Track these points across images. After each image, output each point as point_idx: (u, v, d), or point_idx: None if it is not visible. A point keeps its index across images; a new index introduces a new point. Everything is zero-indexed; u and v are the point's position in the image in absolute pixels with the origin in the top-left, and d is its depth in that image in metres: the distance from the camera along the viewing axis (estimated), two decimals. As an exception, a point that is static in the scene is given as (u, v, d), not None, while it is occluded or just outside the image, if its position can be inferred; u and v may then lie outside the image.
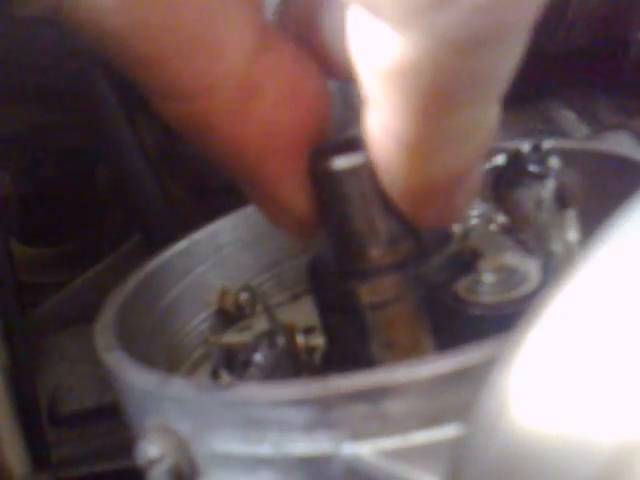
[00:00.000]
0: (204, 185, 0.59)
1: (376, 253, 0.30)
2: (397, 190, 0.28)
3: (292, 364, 0.34)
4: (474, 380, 0.23)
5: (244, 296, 0.40)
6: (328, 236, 0.31)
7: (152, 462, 0.27)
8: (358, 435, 0.24)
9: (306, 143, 0.30)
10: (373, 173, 0.29)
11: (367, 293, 0.30)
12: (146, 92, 0.29)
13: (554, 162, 0.34)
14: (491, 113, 0.26)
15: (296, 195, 0.30)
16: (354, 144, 0.29)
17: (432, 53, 0.23)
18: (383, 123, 0.26)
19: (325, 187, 0.30)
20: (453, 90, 0.24)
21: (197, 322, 0.40)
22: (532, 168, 0.35)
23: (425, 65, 0.23)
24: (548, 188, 0.33)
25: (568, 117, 0.61)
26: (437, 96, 0.24)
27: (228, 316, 0.40)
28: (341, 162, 0.29)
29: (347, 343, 0.31)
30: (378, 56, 0.24)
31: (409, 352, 0.30)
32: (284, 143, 0.29)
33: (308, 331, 0.35)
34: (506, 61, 0.24)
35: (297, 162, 0.30)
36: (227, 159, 0.29)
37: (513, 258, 0.33)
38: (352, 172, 0.29)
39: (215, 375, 0.35)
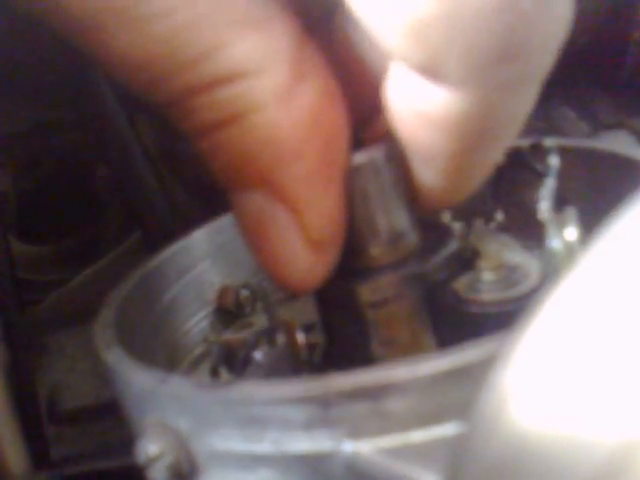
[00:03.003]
0: (204, 183, 0.59)
1: (376, 251, 0.30)
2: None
3: (292, 362, 0.34)
4: (474, 378, 0.23)
5: (244, 294, 0.40)
6: None
7: (151, 460, 0.27)
8: (358, 433, 0.24)
9: (344, 143, 0.28)
10: (374, 172, 0.29)
11: (367, 291, 0.30)
12: (174, 88, 0.26)
13: (554, 160, 0.34)
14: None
15: (322, 207, 0.28)
16: (356, 144, 0.29)
17: (486, 101, 0.24)
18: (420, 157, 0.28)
19: None
20: (497, 128, 0.26)
21: (197, 320, 0.40)
22: (532, 166, 0.35)
23: (477, 113, 0.24)
24: (548, 186, 0.33)
25: (568, 116, 0.61)
26: (481, 136, 0.26)
27: (228, 314, 0.40)
28: None
29: (347, 341, 0.31)
30: (424, 106, 0.25)
31: (409, 350, 0.30)
32: (325, 138, 0.27)
33: (308, 329, 0.35)
34: (536, 92, 0.25)
35: (334, 164, 0.28)
36: (260, 152, 0.27)
37: (513, 256, 0.33)
38: (353, 171, 0.29)
39: (215, 373, 0.35)
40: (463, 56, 0.22)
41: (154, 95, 0.26)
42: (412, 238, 0.30)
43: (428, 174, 0.28)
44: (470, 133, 0.26)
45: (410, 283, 0.30)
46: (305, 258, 0.28)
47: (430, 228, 0.31)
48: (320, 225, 0.28)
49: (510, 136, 0.27)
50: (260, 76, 0.26)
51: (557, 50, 0.24)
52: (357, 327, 0.30)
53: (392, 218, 0.30)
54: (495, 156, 0.28)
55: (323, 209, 0.28)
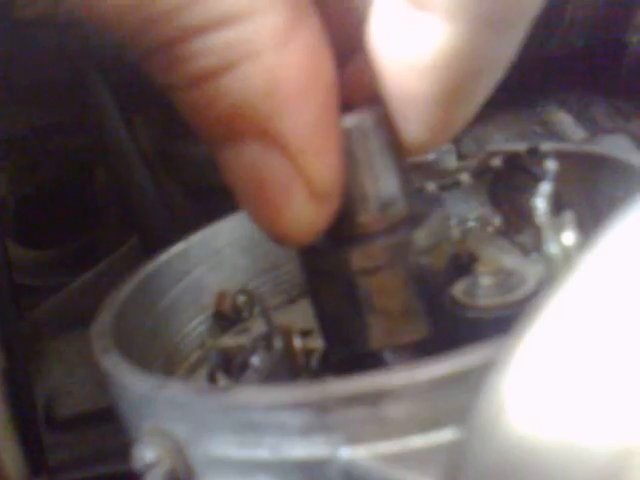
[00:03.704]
0: (201, 186, 0.59)
1: (366, 218, 0.29)
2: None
3: (289, 367, 0.34)
4: (471, 384, 0.23)
5: (241, 299, 0.40)
6: None
7: (149, 466, 0.27)
8: (355, 439, 0.24)
9: (339, 97, 0.27)
10: (363, 136, 0.28)
11: (358, 258, 0.29)
12: (177, 27, 0.24)
13: (551, 165, 0.34)
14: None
15: (325, 155, 0.26)
16: (344, 109, 0.28)
17: (473, 37, 0.24)
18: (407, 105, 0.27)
19: None
20: (483, 67, 0.25)
21: (194, 325, 0.40)
22: (529, 171, 0.35)
23: (463, 49, 0.24)
24: (545, 191, 0.33)
25: (565, 120, 0.61)
26: (469, 78, 0.25)
27: (225, 319, 0.40)
28: None
29: (337, 310, 0.31)
30: (415, 48, 0.24)
31: (400, 318, 0.30)
32: (324, 82, 0.26)
33: (305, 334, 0.35)
34: (522, 34, 0.25)
35: (334, 110, 0.26)
36: (259, 101, 0.25)
37: (510, 261, 0.33)
38: (342, 136, 0.28)
39: (212, 378, 0.35)
40: None
41: (143, 41, 0.24)
42: (402, 205, 0.30)
43: (414, 117, 0.27)
44: (455, 71, 0.25)
45: (402, 250, 0.30)
46: (308, 210, 0.27)
47: (417, 197, 0.31)
48: (323, 175, 0.27)
49: (495, 76, 0.26)
50: (255, 19, 0.24)
51: None
52: (348, 297, 0.30)
53: (381, 185, 0.29)
54: (480, 96, 0.27)
55: (326, 158, 0.27)
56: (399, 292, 0.30)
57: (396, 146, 0.29)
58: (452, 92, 0.26)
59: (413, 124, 0.28)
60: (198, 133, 0.27)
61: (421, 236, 0.30)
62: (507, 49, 0.25)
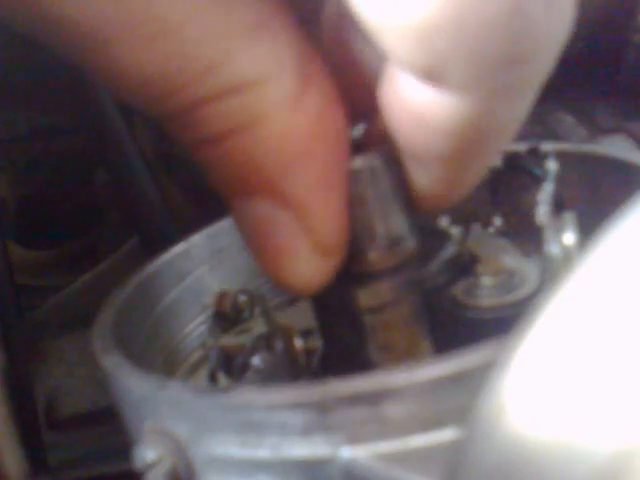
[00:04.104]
0: (202, 187, 0.59)
1: (374, 256, 0.30)
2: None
3: (290, 367, 0.34)
4: (472, 383, 0.23)
5: (242, 299, 0.40)
6: None
7: (149, 465, 0.27)
8: (356, 439, 0.24)
9: (346, 146, 0.28)
10: (372, 177, 0.29)
11: (365, 296, 0.30)
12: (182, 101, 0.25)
13: (552, 165, 0.34)
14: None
15: (329, 213, 0.27)
16: (354, 148, 0.29)
17: (487, 104, 0.24)
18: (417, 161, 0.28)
19: None
20: (496, 131, 0.26)
21: (195, 325, 0.40)
22: (530, 171, 0.35)
23: (477, 116, 0.24)
24: (546, 191, 0.33)
25: (566, 120, 0.61)
26: (479, 139, 0.26)
27: (226, 319, 0.40)
28: None
29: (344, 346, 0.31)
30: (422, 110, 0.25)
31: (405, 355, 0.30)
32: (330, 142, 0.27)
33: (306, 334, 0.35)
34: (535, 94, 0.25)
35: (339, 168, 0.28)
36: (268, 161, 0.26)
37: (511, 261, 0.33)
38: (351, 176, 0.29)
39: (213, 378, 0.35)
40: (468, 61, 0.22)
41: (159, 108, 0.26)
42: (410, 243, 0.30)
43: (425, 176, 0.28)
44: (468, 136, 0.25)
45: (408, 288, 0.30)
46: (311, 263, 0.28)
47: (428, 233, 0.31)
48: (327, 230, 0.28)
49: (508, 138, 0.27)
50: (268, 85, 0.25)
51: (558, 52, 0.24)
52: (354, 332, 0.30)
53: (390, 223, 0.29)
54: (492, 157, 0.28)
55: (330, 214, 0.28)
56: (404, 330, 0.30)
57: (406, 185, 0.29)
58: (464, 155, 0.27)
59: (425, 180, 0.28)
60: (214, 186, 0.28)
61: (429, 274, 0.30)
62: (518, 113, 0.26)
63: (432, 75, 0.23)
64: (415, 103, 0.25)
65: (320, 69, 0.27)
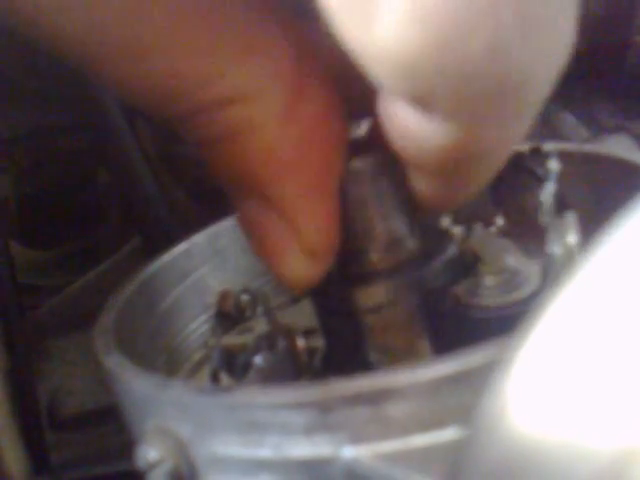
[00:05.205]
0: (204, 187, 0.59)
1: (374, 257, 0.30)
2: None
3: (292, 367, 0.34)
4: (475, 383, 0.23)
5: (244, 298, 0.40)
6: None
7: (152, 465, 0.27)
8: (358, 438, 0.24)
9: (341, 153, 0.28)
10: (372, 177, 0.29)
11: (364, 297, 0.30)
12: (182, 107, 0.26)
13: (554, 165, 0.34)
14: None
15: (318, 219, 0.28)
16: (355, 148, 0.29)
17: (476, 131, 0.24)
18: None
19: None
20: (488, 152, 0.26)
21: (197, 325, 0.40)
22: (532, 171, 0.35)
23: (466, 140, 0.24)
24: (548, 191, 0.33)
25: (568, 120, 0.61)
26: (471, 159, 0.26)
27: (228, 319, 0.40)
28: None
29: (344, 346, 0.31)
30: (412, 129, 0.25)
31: (405, 356, 0.30)
32: (322, 152, 0.28)
33: (308, 333, 0.35)
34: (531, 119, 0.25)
35: (331, 176, 0.28)
36: (258, 168, 0.28)
37: (513, 261, 0.33)
38: (352, 176, 0.29)
39: (215, 378, 0.35)
40: (453, 93, 0.22)
41: (155, 114, 0.27)
42: (410, 244, 0.30)
43: (422, 183, 0.29)
44: (459, 156, 0.25)
45: (408, 289, 0.30)
46: (300, 265, 0.29)
47: (430, 233, 0.31)
48: (314, 237, 0.29)
49: (503, 156, 0.27)
50: (259, 99, 0.26)
51: (555, 80, 0.23)
52: (354, 332, 0.30)
53: (390, 224, 0.29)
54: (490, 173, 0.28)
55: (318, 222, 0.28)
56: (402, 331, 0.30)
57: (406, 185, 0.29)
58: (457, 171, 0.27)
59: (423, 187, 0.29)
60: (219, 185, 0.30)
61: (430, 275, 0.30)
62: (512, 136, 0.26)
63: (419, 102, 0.23)
64: (406, 122, 0.25)
65: (316, 75, 0.28)
